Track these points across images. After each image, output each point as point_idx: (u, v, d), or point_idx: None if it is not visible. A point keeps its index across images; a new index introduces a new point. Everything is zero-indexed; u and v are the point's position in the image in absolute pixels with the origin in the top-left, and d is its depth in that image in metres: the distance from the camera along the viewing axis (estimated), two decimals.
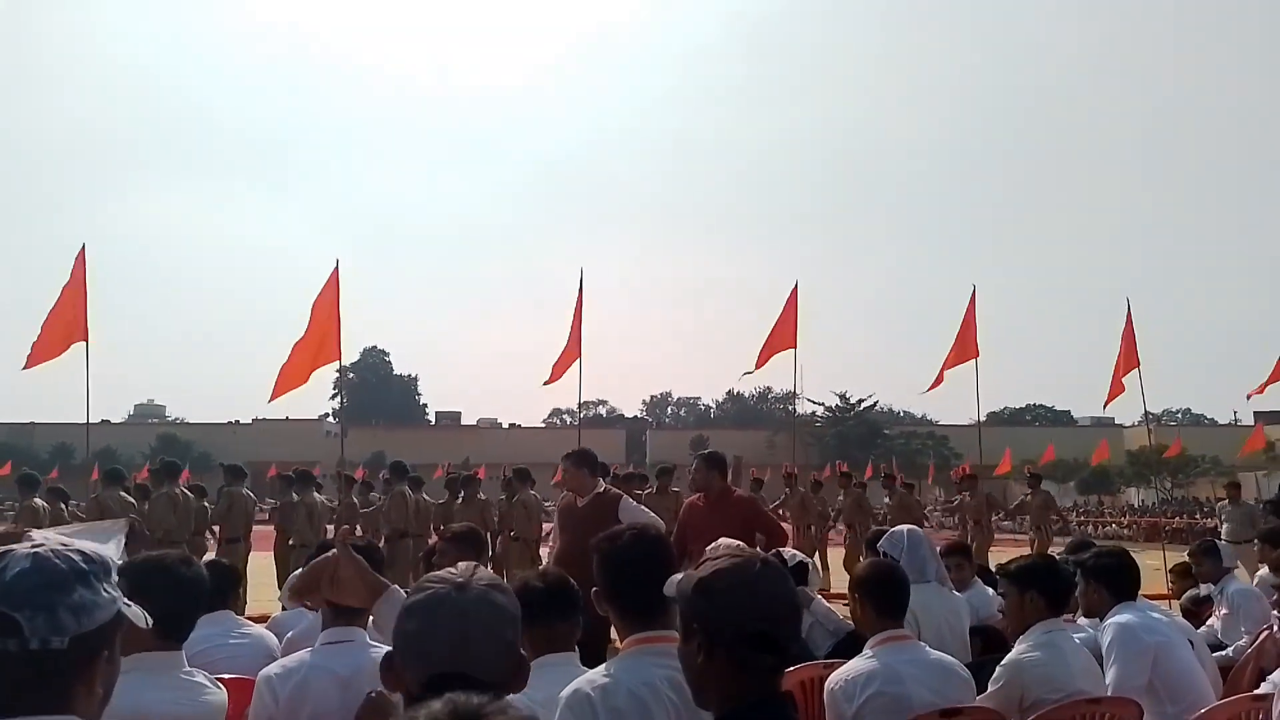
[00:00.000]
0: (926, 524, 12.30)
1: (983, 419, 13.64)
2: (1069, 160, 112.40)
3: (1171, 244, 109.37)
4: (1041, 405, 74.92)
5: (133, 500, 9.64)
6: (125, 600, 1.32)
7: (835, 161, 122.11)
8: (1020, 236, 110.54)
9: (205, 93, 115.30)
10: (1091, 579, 3.46)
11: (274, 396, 9.28)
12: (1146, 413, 14.45)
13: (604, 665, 2.07)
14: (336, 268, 9.41)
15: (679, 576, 1.62)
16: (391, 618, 1.44)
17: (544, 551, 9.92)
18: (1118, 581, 3.43)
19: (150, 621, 1.40)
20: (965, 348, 10.81)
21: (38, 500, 9.95)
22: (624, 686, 1.93)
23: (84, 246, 9.32)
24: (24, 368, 9.17)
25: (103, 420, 56.37)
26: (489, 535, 10.50)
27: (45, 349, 9.13)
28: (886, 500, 13.04)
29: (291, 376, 9.18)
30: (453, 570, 1.39)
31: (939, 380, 11.04)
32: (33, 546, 1.27)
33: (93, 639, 1.26)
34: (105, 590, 1.28)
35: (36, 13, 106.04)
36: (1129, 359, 10.37)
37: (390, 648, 1.42)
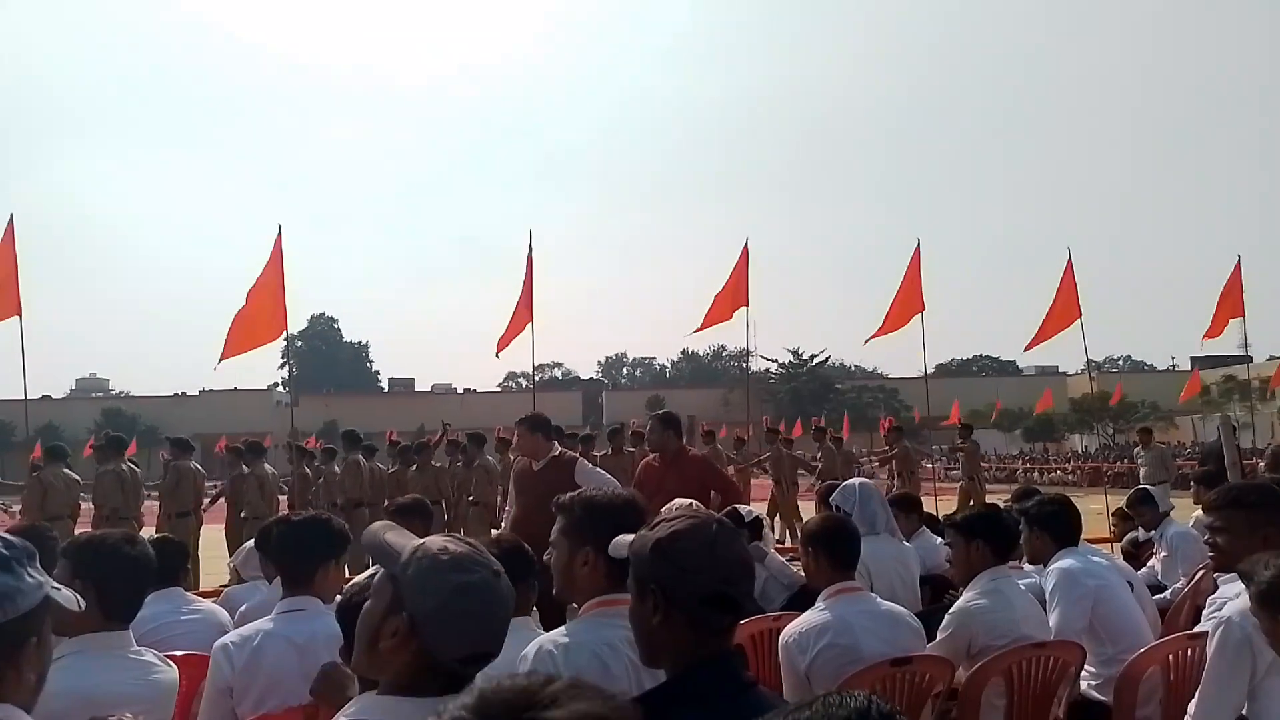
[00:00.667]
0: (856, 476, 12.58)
1: (930, 371, 13.89)
2: (1009, 112, 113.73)
3: (1111, 192, 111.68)
4: (987, 356, 76.50)
5: (77, 478, 9.41)
6: (54, 584, 1.29)
7: (784, 119, 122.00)
8: (963, 189, 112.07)
9: (133, 57, 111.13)
10: (1035, 526, 3.56)
11: (223, 358, 9.07)
12: (1089, 360, 14.81)
13: (564, 627, 2.09)
14: (280, 234, 9.19)
15: (630, 538, 1.62)
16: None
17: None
18: (1060, 528, 3.52)
19: (83, 605, 1.37)
20: (910, 301, 10.92)
21: None
22: (586, 647, 1.97)
23: (11, 216, 8.96)
24: None
25: (43, 396, 54.83)
26: (444, 502, 10.47)
27: None
28: (818, 453, 13.25)
29: (239, 341, 8.98)
30: (476, 549, 1.43)
31: (880, 332, 11.15)
32: None
33: (18, 626, 1.23)
34: (29, 575, 1.25)
35: None
36: (1070, 308, 10.54)
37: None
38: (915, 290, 10.87)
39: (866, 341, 11.45)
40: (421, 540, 1.43)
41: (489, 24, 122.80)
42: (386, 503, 8.65)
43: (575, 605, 2.20)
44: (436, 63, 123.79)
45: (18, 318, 8.90)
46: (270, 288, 8.98)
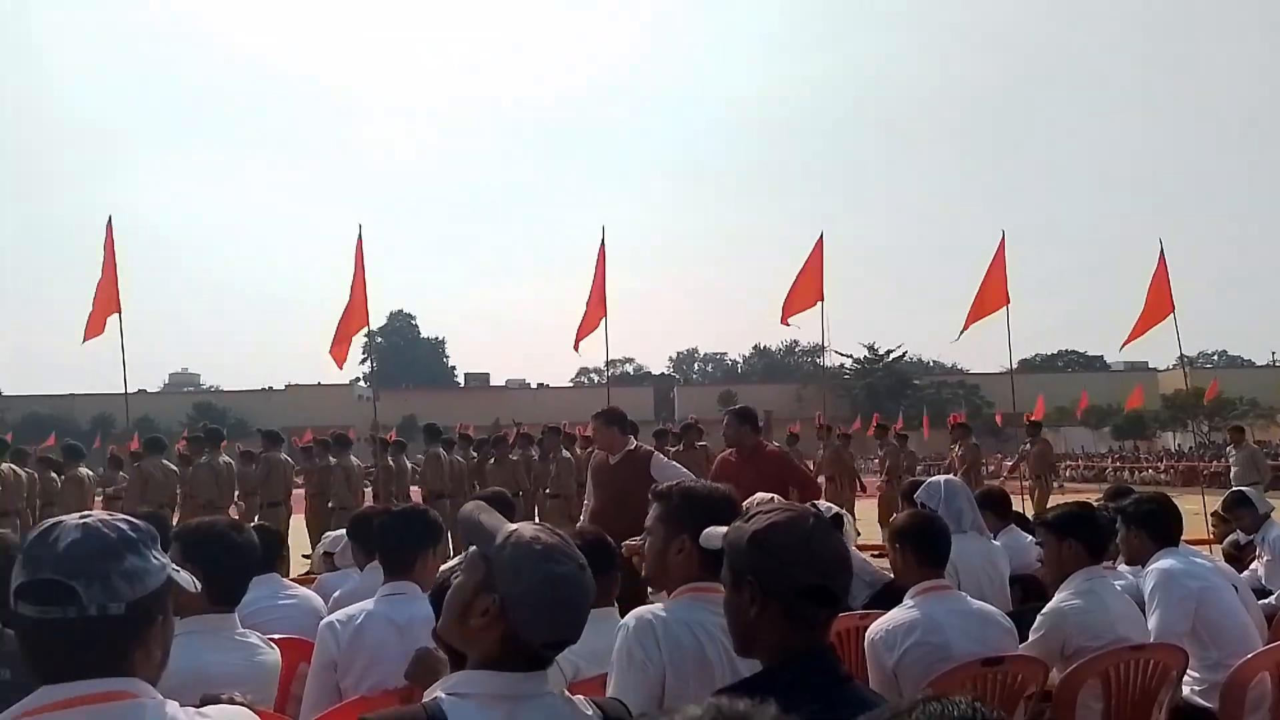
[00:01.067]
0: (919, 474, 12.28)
1: (1014, 366, 13.47)
2: (1101, 98, 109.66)
3: (1207, 183, 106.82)
4: (1074, 351, 74.06)
5: (175, 469, 9.82)
6: (174, 566, 1.35)
7: (860, 108, 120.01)
8: (1051, 178, 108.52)
9: (223, 70, 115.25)
10: (1132, 525, 3.43)
11: (339, 361, 9.50)
12: (1182, 355, 14.22)
13: (660, 604, 2.12)
14: (360, 234, 9.42)
15: (723, 529, 1.62)
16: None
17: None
18: (1159, 527, 3.39)
19: (199, 586, 1.44)
20: (995, 294, 10.61)
21: (82, 470, 10.18)
22: (684, 623, 2.02)
23: (110, 219, 9.39)
24: (83, 341, 9.35)
25: (139, 390, 57.44)
26: (521, 495, 10.62)
27: (97, 322, 9.30)
28: (880, 451, 12.98)
29: (342, 340, 9.38)
30: (565, 541, 1.49)
31: (967, 327, 10.86)
32: (81, 517, 1.30)
33: (147, 604, 1.30)
34: (154, 557, 1.31)
35: None
36: (1162, 302, 10.14)
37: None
38: (1000, 283, 10.58)
39: (958, 337, 11.14)
40: (515, 526, 1.48)
41: (564, 21, 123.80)
42: (466, 495, 8.82)
43: (665, 594, 2.22)
44: (512, 65, 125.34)
45: (117, 315, 9.34)
46: (354, 285, 9.26)
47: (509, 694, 1.40)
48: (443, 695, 1.39)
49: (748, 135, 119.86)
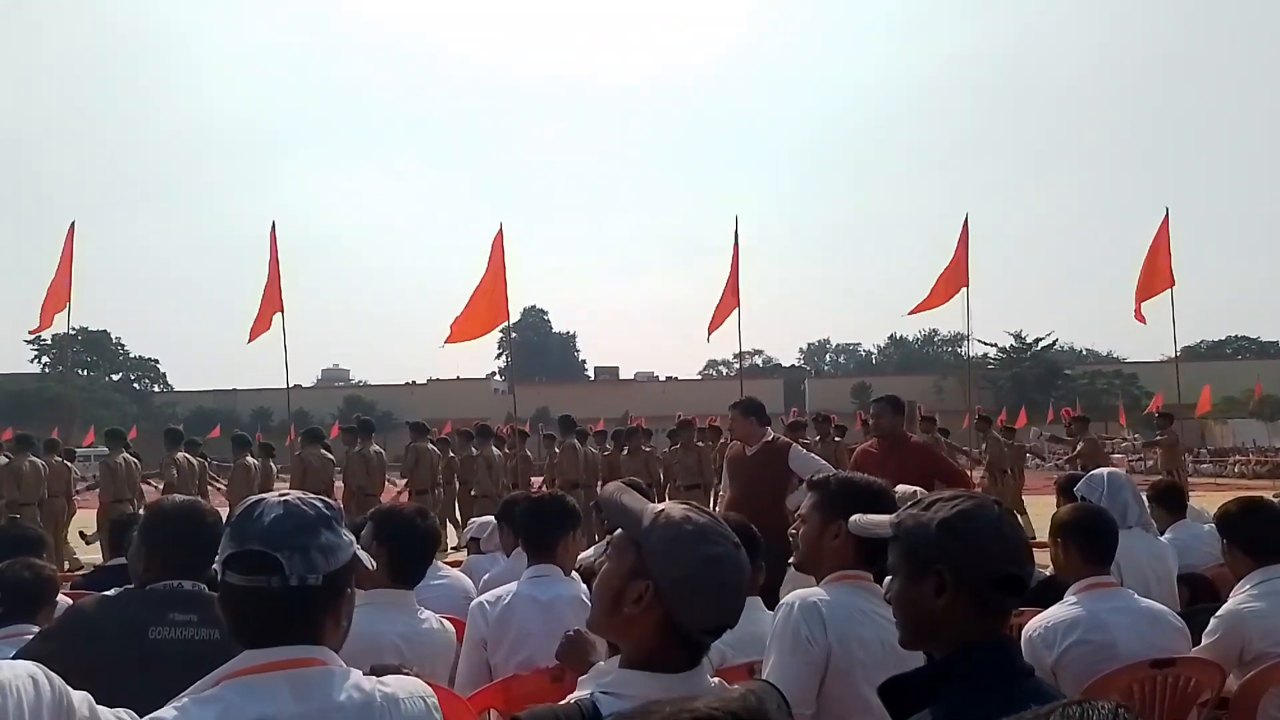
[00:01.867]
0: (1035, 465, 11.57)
1: (1178, 353, 12.56)
2: (1265, 66, 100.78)
3: None
4: (1244, 336, 68.52)
5: (331, 458, 10.41)
6: (358, 544, 1.44)
7: (1002, 84, 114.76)
8: (1216, 152, 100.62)
9: (367, 78, 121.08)
10: None
11: (449, 341, 9.73)
12: None
13: (817, 587, 2.14)
14: (500, 230, 9.70)
15: (884, 517, 1.57)
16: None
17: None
18: None
19: (374, 565, 1.52)
20: (1158, 276, 9.94)
21: (250, 458, 10.94)
22: (845, 606, 2.04)
23: (274, 224, 10.04)
24: (249, 341, 10.09)
25: (295, 385, 61.06)
26: (654, 486, 10.71)
27: (261, 323, 10.01)
28: (982, 444, 12.29)
29: (467, 329, 9.61)
30: (717, 521, 1.43)
31: (1138, 309, 10.18)
32: (280, 495, 1.40)
33: (340, 577, 1.39)
34: (344, 534, 1.40)
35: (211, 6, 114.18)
36: None
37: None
38: (1164, 264, 9.91)
39: (1138, 311, 10.35)
40: (662, 506, 1.44)
41: (686, 11, 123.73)
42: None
43: (813, 579, 2.21)
44: (638, 58, 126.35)
45: (280, 314, 9.99)
46: (493, 281, 9.54)
47: (668, 697, 1.36)
48: (598, 693, 1.34)
49: (884, 117, 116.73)
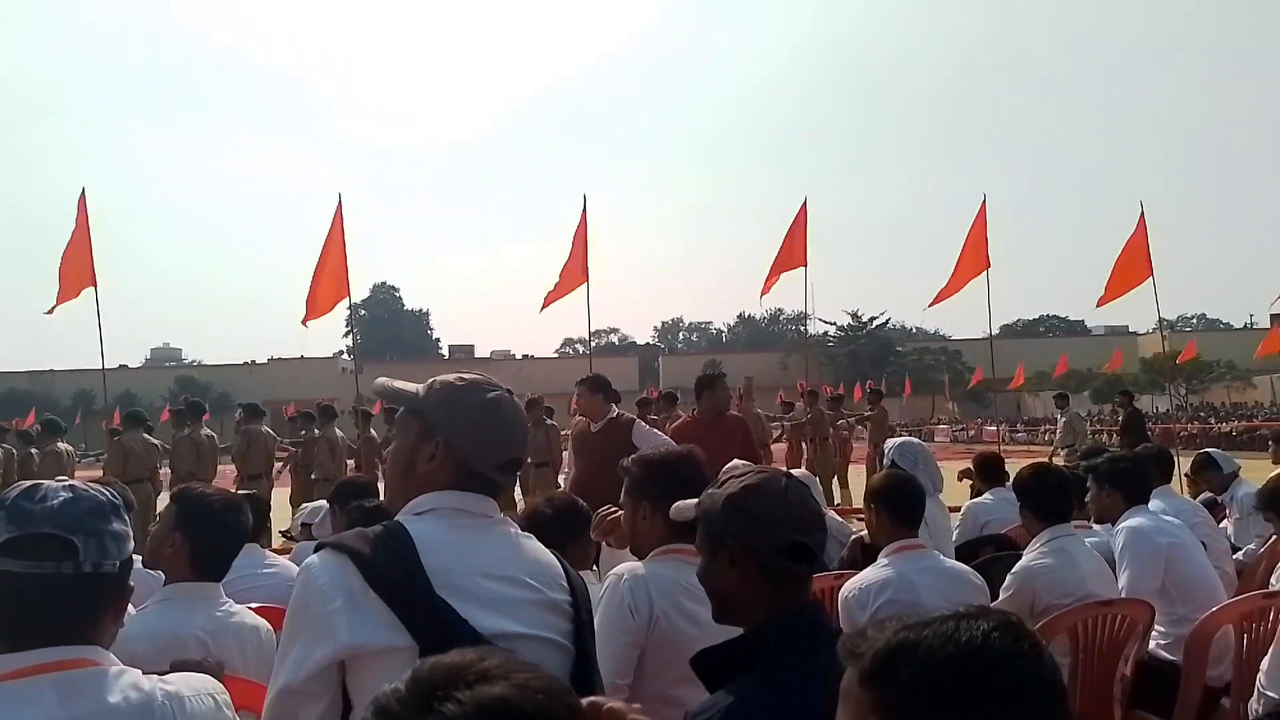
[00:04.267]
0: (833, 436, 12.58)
1: (995, 332, 13.55)
2: (1080, 63, 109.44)
3: (1186, 147, 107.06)
4: (1055, 315, 74.55)
5: (155, 443, 9.77)
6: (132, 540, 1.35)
7: (841, 74, 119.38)
8: (1031, 143, 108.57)
9: (191, 29, 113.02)
10: (1106, 483, 3.48)
11: (307, 319, 9.40)
12: (1161, 319, 14.37)
13: (640, 562, 2.16)
14: (340, 203, 9.34)
15: (692, 502, 1.62)
16: None
17: (562, 478, 10.05)
18: (1133, 485, 3.45)
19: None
20: (976, 259, 10.64)
21: (61, 445, 10.12)
22: (669, 578, 2.06)
23: (84, 191, 9.26)
24: (46, 312, 9.26)
25: (120, 365, 56.89)
26: None
27: (63, 294, 9.20)
28: (806, 414, 12.94)
29: (313, 305, 9.28)
30: (483, 376, 1.53)
31: (946, 293, 10.88)
32: (60, 482, 1.30)
33: (127, 568, 1.30)
34: (129, 525, 1.31)
35: None
36: (1141, 264, 10.19)
37: None
38: (981, 248, 10.61)
39: (931, 304, 11.17)
40: (431, 379, 1.52)
41: None
42: None
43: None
44: (494, 32, 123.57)
45: (93, 289, 9.25)
46: (335, 255, 9.19)
47: (466, 508, 1.42)
48: (403, 517, 1.41)
49: (730, 101, 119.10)
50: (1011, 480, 3.32)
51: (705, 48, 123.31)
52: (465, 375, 1.50)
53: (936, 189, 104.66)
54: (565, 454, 10.63)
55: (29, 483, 1.29)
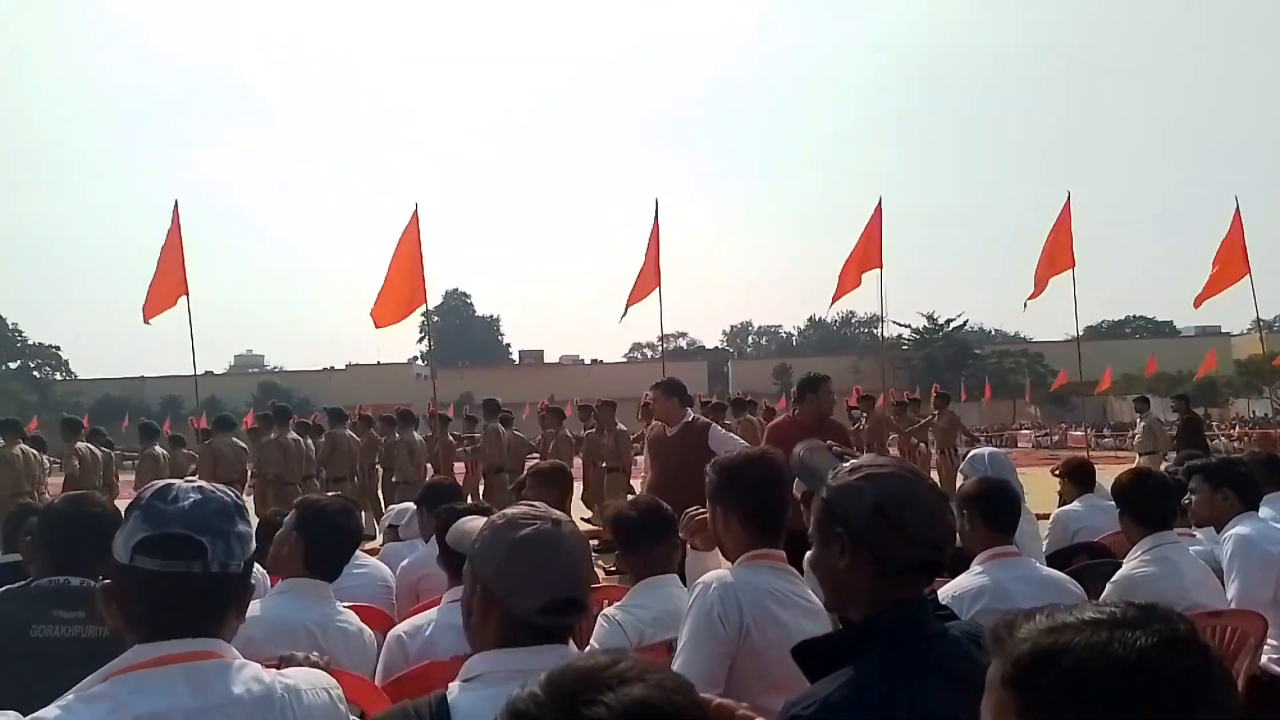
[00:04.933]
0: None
1: (1080, 333, 13.12)
2: (1168, 53, 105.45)
3: None
4: (1142, 316, 71.91)
5: (244, 446, 10.09)
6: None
7: (916, 70, 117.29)
8: (1118, 137, 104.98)
9: (269, 53, 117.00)
10: (1222, 485, 3.30)
11: (379, 325, 9.54)
12: (1258, 319, 13.73)
13: (729, 569, 2.14)
14: (415, 211, 9.52)
15: (822, 473, 1.59)
16: None
17: (636, 482, 10.06)
18: (1246, 488, 3.29)
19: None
20: (1060, 257, 10.33)
21: (158, 448, 10.53)
22: (759, 585, 2.04)
23: (176, 202, 9.63)
24: (145, 321, 9.63)
25: (206, 371, 59.15)
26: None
27: (158, 302, 9.56)
28: (863, 422, 12.67)
29: (386, 312, 9.41)
30: (530, 507, 1.46)
31: (1038, 290, 10.57)
32: (190, 482, 1.35)
33: (250, 568, 1.35)
34: (250, 526, 1.36)
35: None
36: (1237, 262, 9.76)
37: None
38: (1065, 246, 10.30)
39: (1025, 305, 10.87)
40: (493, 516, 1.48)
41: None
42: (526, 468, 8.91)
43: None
44: (558, 39, 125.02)
45: (185, 297, 9.61)
46: (410, 263, 9.36)
47: (524, 669, 1.29)
48: (452, 686, 1.35)
49: (803, 101, 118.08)
50: (1110, 487, 3.19)
51: (773, 47, 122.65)
52: (510, 512, 1.43)
53: (1014, 186, 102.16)
54: (638, 459, 10.75)
55: (161, 483, 1.35)
